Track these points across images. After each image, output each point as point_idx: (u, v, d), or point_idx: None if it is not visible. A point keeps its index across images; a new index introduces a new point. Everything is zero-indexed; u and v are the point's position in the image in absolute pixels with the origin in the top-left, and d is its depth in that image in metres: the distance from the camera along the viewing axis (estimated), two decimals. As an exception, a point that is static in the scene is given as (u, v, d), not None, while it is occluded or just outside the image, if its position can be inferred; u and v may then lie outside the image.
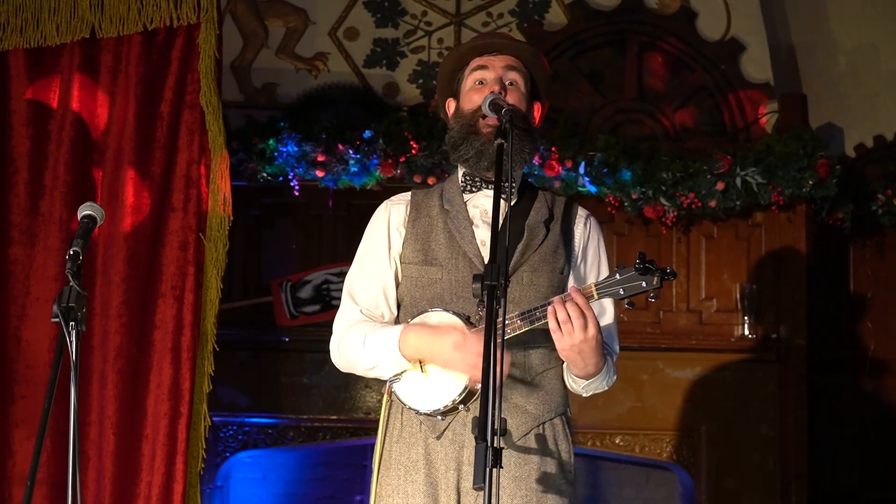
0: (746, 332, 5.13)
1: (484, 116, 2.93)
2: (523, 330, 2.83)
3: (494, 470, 2.40)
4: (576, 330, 2.74)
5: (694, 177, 5.06)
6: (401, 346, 2.86)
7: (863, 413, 5.39)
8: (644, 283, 2.76)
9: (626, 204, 5.08)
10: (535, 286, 2.93)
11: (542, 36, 5.57)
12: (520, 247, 2.94)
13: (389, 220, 3.05)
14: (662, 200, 5.07)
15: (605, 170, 5.05)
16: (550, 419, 2.94)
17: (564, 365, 2.95)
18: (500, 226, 2.68)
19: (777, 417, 5.13)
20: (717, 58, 5.59)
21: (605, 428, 5.16)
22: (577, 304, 2.75)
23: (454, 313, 2.87)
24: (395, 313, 3.03)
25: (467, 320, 2.85)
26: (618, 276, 2.79)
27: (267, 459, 5.42)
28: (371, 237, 3.07)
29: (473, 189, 3.02)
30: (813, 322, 5.19)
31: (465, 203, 3.01)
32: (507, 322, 2.81)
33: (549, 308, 2.77)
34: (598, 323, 2.77)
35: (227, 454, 5.11)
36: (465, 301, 2.89)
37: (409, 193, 3.10)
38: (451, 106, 3.10)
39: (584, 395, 3.00)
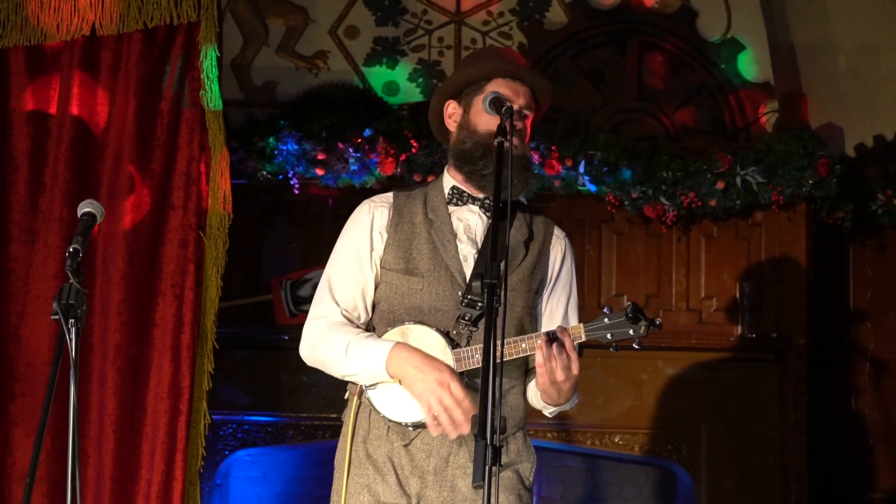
0: (746, 331, 5.13)
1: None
2: (518, 356, 2.88)
3: (460, 475, 2.46)
4: (559, 369, 2.81)
5: (694, 176, 5.06)
6: (388, 364, 2.87)
7: (863, 413, 5.39)
8: (631, 332, 2.88)
9: (626, 203, 5.08)
10: (511, 306, 2.94)
11: (542, 35, 5.57)
12: (501, 266, 2.96)
13: (373, 223, 3.03)
14: (662, 200, 5.07)
15: (606, 169, 5.05)
16: (513, 433, 3.00)
17: (530, 385, 3.02)
18: (497, 229, 2.70)
19: (777, 417, 5.12)
20: (717, 57, 5.59)
21: (604, 427, 5.16)
22: (564, 346, 2.81)
23: (436, 330, 2.90)
24: (371, 315, 3.04)
25: (447, 335, 2.89)
26: (606, 320, 2.88)
27: (266, 458, 5.41)
28: (352, 237, 3.05)
29: (459, 203, 3.03)
30: (813, 322, 5.19)
31: (449, 215, 3.01)
32: (510, 343, 2.88)
33: (539, 343, 2.82)
34: (579, 365, 2.84)
35: (227, 452, 5.10)
36: (443, 315, 2.92)
37: (391, 195, 3.09)
38: (449, 107, 3.10)
39: (548, 415, 3.08)
